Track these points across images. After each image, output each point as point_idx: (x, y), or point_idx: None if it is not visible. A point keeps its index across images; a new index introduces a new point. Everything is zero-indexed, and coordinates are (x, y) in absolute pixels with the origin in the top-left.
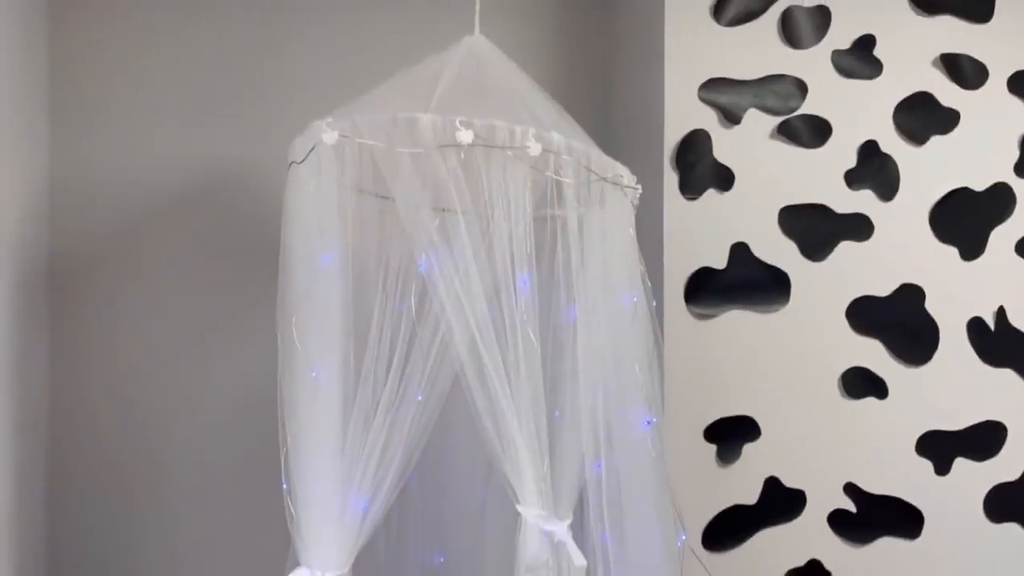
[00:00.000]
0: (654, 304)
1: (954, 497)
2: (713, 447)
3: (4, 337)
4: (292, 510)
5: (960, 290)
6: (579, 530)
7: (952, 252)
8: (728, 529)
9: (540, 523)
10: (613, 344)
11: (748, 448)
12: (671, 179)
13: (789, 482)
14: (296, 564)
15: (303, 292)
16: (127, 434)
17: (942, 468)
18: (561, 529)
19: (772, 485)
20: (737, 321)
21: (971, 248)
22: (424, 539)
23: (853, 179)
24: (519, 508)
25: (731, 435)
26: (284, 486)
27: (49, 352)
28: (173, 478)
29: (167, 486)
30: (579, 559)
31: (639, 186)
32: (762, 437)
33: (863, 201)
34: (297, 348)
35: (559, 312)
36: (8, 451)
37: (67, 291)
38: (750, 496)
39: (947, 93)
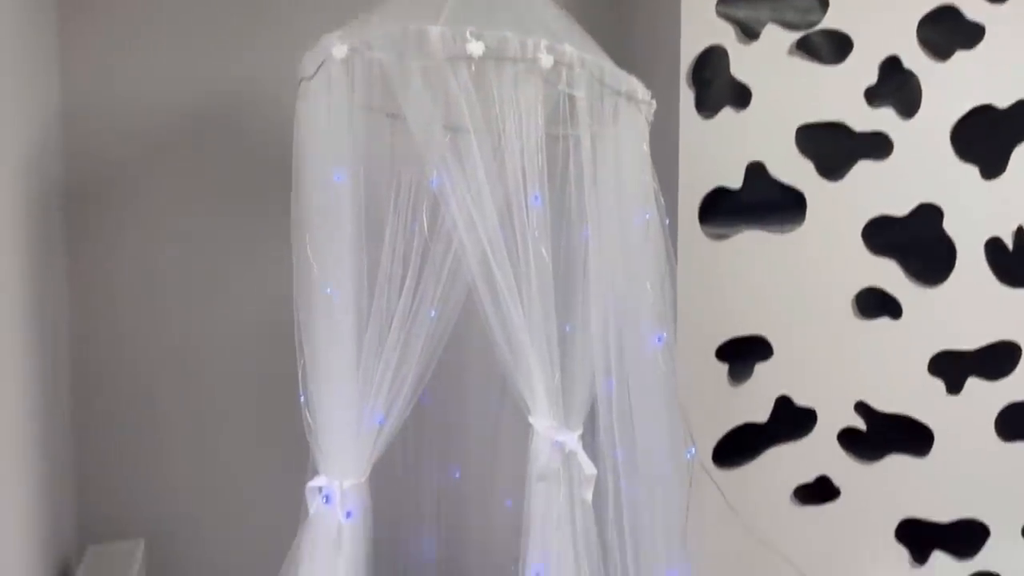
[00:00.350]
0: (667, 222)
1: (965, 416)
2: (725, 366)
3: (23, 263)
4: (310, 422)
5: (979, 209)
6: (590, 444)
7: (972, 171)
8: (738, 446)
9: (551, 434)
10: (625, 261)
11: (760, 367)
12: (687, 97)
13: (800, 401)
14: (315, 473)
15: (315, 210)
16: (147, 355)
17: (954, 387)
18: (572, 440)
19: (783, 404)
20: (751, 241)
21: (992, 166)
22: (440, 455)
23: (874, 96)
24: (531, 419)
25: (743, 355)
26: (302, 399)
27: (68, 277)
28: (194, 394)
29: (189, 402)
30: (589, 468)
31: (653, 101)
32: (774, 357)
33: (883, 119)
34: (311, 265)
35: (571, 231)
36: (34, 376)
37: (83, 216)
38: (761, 414)
39: (972, 6)
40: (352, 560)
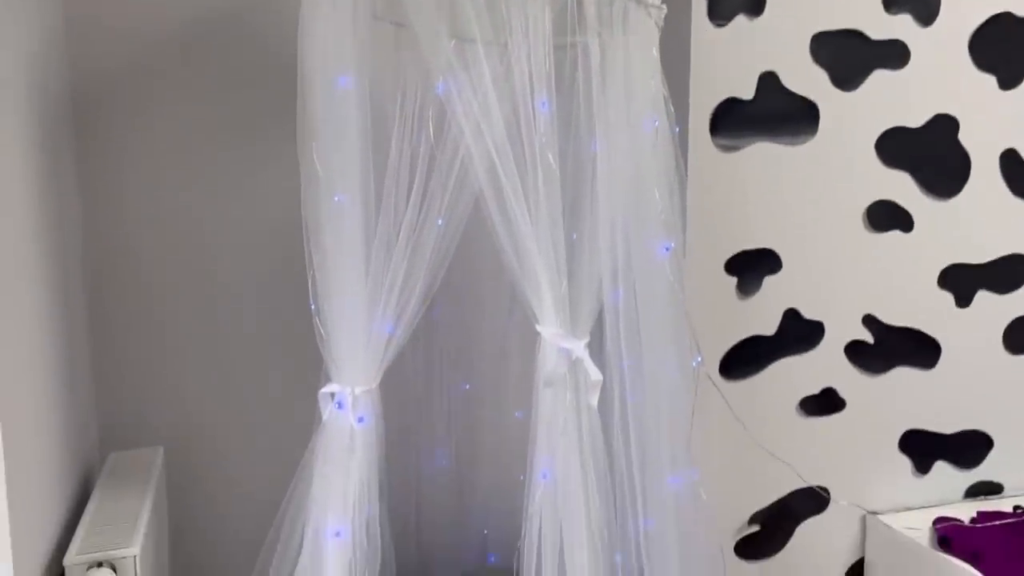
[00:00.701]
0: (677, 130)
1: (973, 329)
2: (734, 279)
3: (34, 175)
4: (321, 330)
5: (995, 121)
6: (597, 353)
7: (990, 81)
8: (745, 359)
9: (558, 341)
10: (633, 168)
11: (769, 280)
12: (699, 4)
13: (808, 314)
14: (328, 380)
15: (321, 117)
16: (160, 265)
17: (963, 300)
18: (579, 347)
19: (791, 316)
20: (763, 153)
21: (1010, 76)
22: (450, 368)
23: (891, 2)
24: (538, 328)
25: (752, 268)
26: (312, 307)
27: (78, 188)
28: (208, 303)
29: (203, 311)
30: (595, 374)
31: (664, 6)
32: (783, 270)
33: (900, 26)
34: (318, 173)
35: (579, 138)
36: (50, 287)
37: (91, 126)
38: (769, 327)
39: None
40: (365, 463)
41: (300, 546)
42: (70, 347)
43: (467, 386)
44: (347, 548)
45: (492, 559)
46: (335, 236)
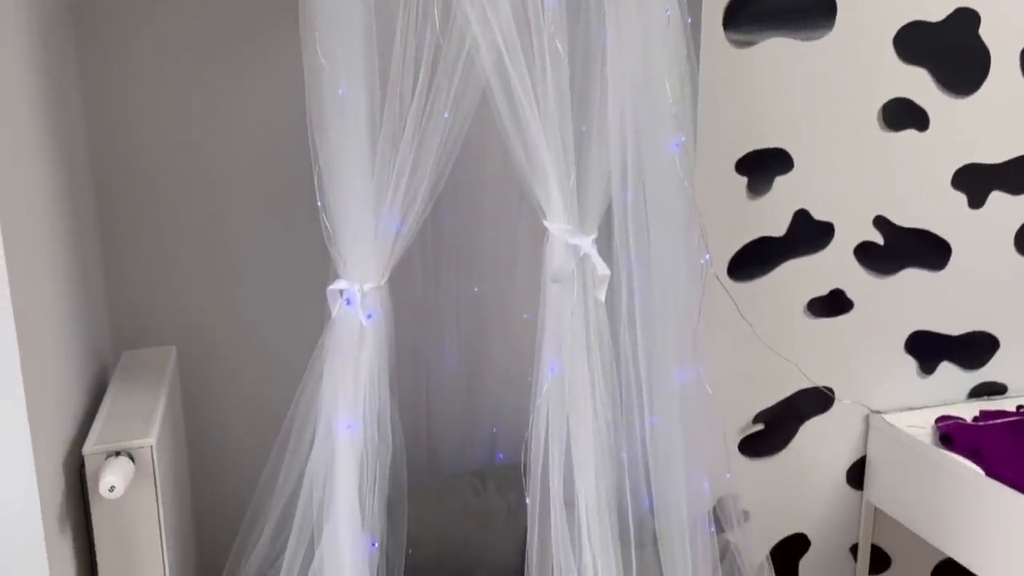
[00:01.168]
0: (689, 21)
1: (985, 230)
2: (744, 179)
3: (37, 76)
4: (328, 226)
5: (1019, 15)
6: (605, 249)
7: None
8: (753, 259)
9: (566, 237)
10: (644, 59)
11: (779, 180)
12: None
13: (818, 214)
14: (336, 277)
15: (325, 7)
16: (167, 165)
17: (976, 201)
18: (587, 243)
19: (801, 217)
20: (777, 49)
21: None
22: (458, 272)
23: None
24: (546, 223)
25: (763, 167)
26: (319, 203)
27: (82, 90)
28: (215, 201)
29: (210, 209)
30: (603, 269)
31: None
32: (795, 169)
33: None
34: (322, 65)
35: (588, 29)
36: (60, 190)
37: (93, 29)
38: (778, 228)
39: None
40: (375, 358)
41: (312, 440)
42: (79, 247)
43: (476, 289)
44: (359, 441)
45: (500, 457)
46: (340, 130)
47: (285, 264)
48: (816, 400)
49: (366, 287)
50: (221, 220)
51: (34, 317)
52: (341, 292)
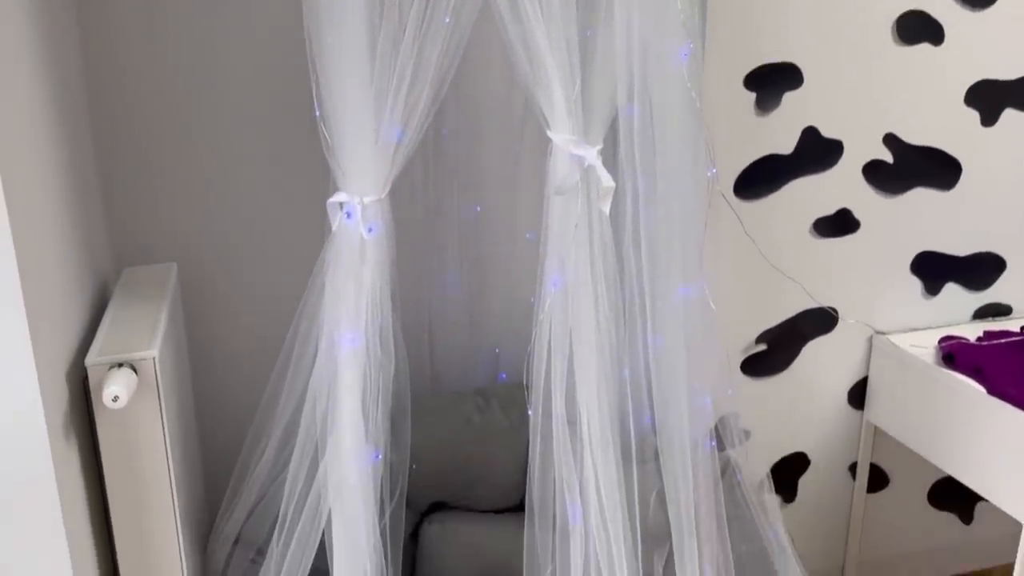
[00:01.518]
0: None
1: (996, 148)
2: (752, 95)
3: (35, 21)
4: (327, 138)
5: None
6: (610, 160)
7: None
8: (760, 177)
9: (570, 147)
10: None
11: (788, 96)
12: None
13: (827, 132)
14: (336, 190)
15: None
16: (164, 78)
17: (989, 119)
18: (591, 154)
19: (810, 134)
20: None
21: None
22: (460, 191)
23: None
24: (549, 134)
25: (772, 82)
26: (317, 113)
27: (76, 5)
28: (212, 115)
29: (208, 123)
30: (607, 180)
31: None
32: (804, 85)
33: None
34: None
35: None
36: (56, 108)
37: None
38: (786, 146)
39: None
40: (377, 272)
41: (315, 355)
42: (75, 164)
43: (478, 208)
44: (361, 355)
45: (503, 377)
46: (337, 36)
47: (285, 178)
48: (820, 321)
49: (366, 200)
50: (220, 135)
51: (32, 232)
52: (341, 205)
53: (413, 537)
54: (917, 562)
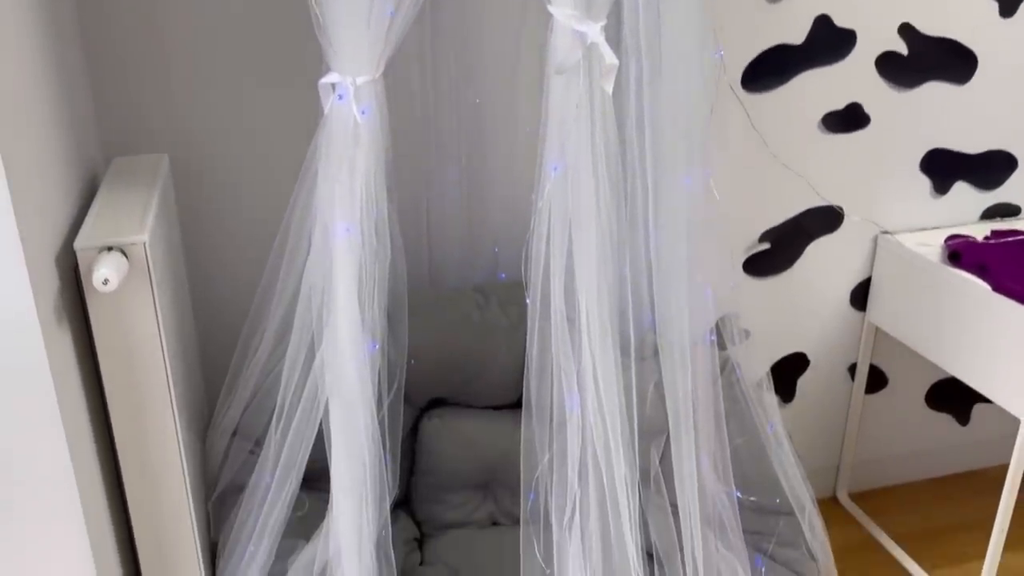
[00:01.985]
0: None
1: (1015, 41)
2: None
3: None
4: (318, 14)
5: None
6: (614, 38)
7: None
8: (769, 69)
9: (572, 23)
10: None
11: None
12: None
13: (840, 21)
14: (328, 70)
15: None
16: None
17: (1008, 10)
18: (594, 30)
19: (822, 23)
20: None
21: None
22: (459, 83)
23: None
24: (550, 8)
25: None
26: None
27: None
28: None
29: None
30: (610, 58)
31: None
32: None
33: None
34: None
35: None
36: (47, 23)
37: None
38: (797, 36)
39: None
40: (372, 157)
41: (309, 245)
42: (63, 55)
43: (477, 100)
44: (356, 245)
45: (502, 277)
46: None
47: (276, 60)
48: (825, 219)
49: (359, 80)
50: (209, 20)
51: (14, 118)
52: (333, 87)
53: (412, 433)
54: (913, 462)
